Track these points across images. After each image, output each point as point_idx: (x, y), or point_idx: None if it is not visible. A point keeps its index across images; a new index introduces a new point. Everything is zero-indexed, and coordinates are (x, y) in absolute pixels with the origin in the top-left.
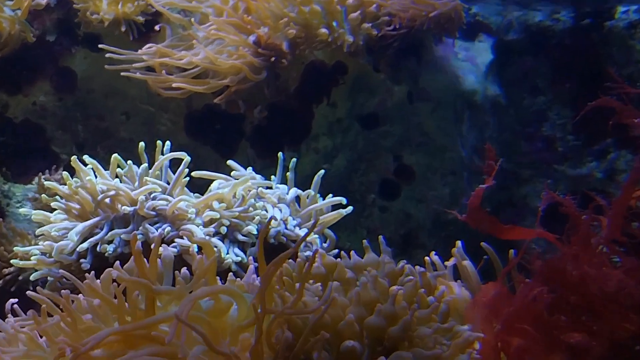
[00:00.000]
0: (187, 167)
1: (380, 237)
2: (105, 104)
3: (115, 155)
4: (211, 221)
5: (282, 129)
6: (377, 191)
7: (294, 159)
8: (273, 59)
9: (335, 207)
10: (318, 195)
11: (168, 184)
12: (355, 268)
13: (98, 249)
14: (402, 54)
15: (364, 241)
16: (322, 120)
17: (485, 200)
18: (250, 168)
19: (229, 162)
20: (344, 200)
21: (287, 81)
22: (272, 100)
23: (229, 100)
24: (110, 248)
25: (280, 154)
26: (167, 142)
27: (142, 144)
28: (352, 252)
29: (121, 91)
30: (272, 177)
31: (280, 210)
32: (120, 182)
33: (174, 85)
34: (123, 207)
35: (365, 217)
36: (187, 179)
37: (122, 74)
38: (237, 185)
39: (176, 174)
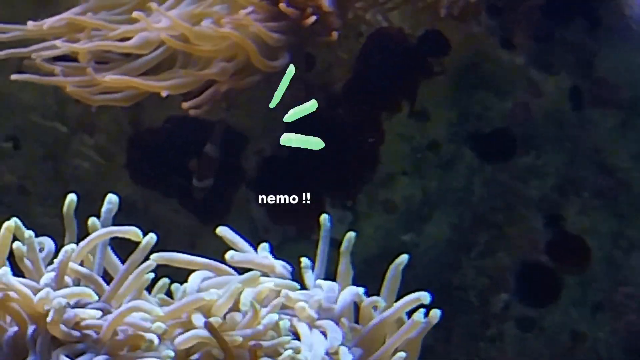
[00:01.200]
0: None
1: None
2: None
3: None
4: (190, 351)
5: (320, 163)
6: (514, 288)
7: (352, 234)
8: (305, 25)
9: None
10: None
11: (107, 282)
12: None
13: None
14: (559, 12)
15: None
16: (400, 145)
17: None
18: (265, 246)
19: (221, 229)
20: (425, 297)
21: (331, 70)
22: None
23: (212, 109)
24: None
25: (325, 217)
26: (112, 198)
27: (72, 197)
28: None
29: (5, 96)
30: (304, 261)
31: (325, 333)
32: (14, 273)
33: (109, 78)
34: (14, 325)
35: (488, 339)
36: (151, 275)
37: (12, 77)
38: (243, 286)
39: (126, 264)
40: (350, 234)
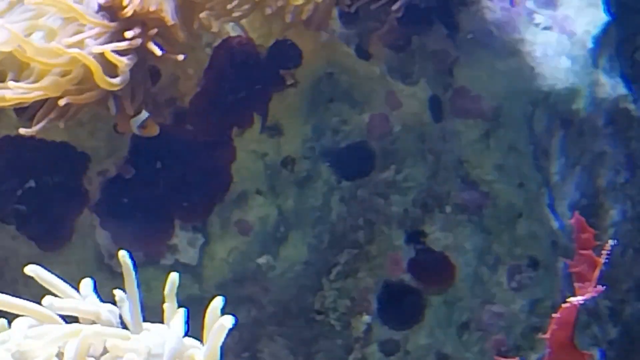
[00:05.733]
0: None
1: None
2: None
3: None
4: None
5: (169, 182)
6: (377, 309)
7: (175, 274)
8: (148, 43)
9: None
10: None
11: None
12: None
13: None
14: (416, 19)
15: None
16: (253, 163)
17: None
18: (88, 282)
19: (31, 268)
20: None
21: (176, 85)
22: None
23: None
24: None
25: (123, 255)
26: None
27: None
28: None
29: None
30: (119, 294)
31: None
32: None
33: None
34: None
35: None
36: None
37: None
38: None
39: None
40: (173, 275)
